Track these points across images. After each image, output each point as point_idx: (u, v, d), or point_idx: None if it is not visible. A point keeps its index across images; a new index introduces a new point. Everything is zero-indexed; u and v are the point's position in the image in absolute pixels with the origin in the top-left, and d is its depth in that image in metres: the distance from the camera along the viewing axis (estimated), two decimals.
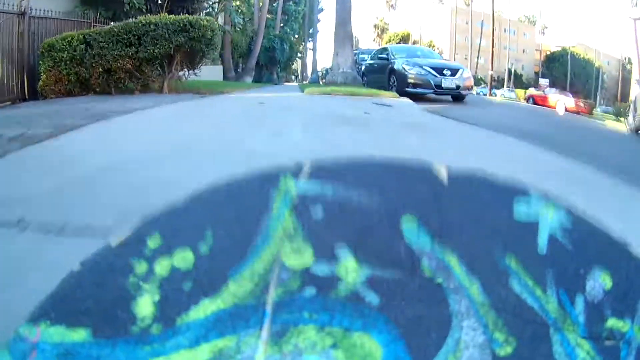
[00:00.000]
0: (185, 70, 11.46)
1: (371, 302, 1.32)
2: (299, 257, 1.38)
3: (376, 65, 15.73)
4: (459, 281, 1.39)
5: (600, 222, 1.72)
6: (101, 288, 1.39)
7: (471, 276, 1.41)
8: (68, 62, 10.17)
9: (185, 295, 1.37)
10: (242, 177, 1.58)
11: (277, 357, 1.28)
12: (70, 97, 9.97)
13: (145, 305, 1.36)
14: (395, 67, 13.83)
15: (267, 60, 30.50)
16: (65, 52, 10.04)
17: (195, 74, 12.20)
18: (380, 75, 14.96)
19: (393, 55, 14.95)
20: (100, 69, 10.26)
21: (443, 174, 1.57)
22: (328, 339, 1.28)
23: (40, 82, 10.07)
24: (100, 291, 1.38)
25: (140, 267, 1.42)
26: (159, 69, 10.83)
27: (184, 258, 1.42)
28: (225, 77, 23.89)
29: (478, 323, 1.35)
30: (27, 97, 10.23)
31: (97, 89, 10.42)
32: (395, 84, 13.54)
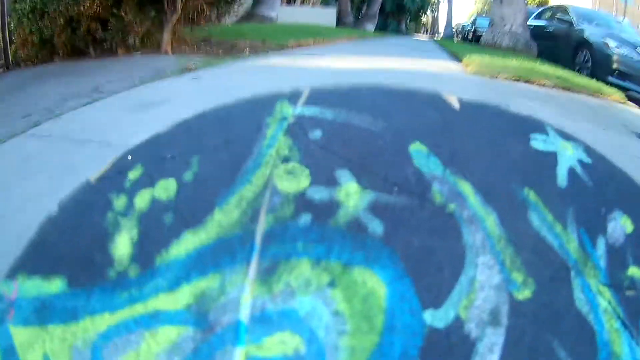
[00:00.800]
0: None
1: (374, 231, 1.12)
2: (294, 180, 1.17)
3: (549, 30, 10.73)
4: (473, 211, 1.19)
5: (618, 165, 1.54)
6: (78, 230, 1.25)
7: (487, 206, 1.21)
8: (30, 15, 7.21)
9: (166, 229, 1.17)
10: (233, 102, 1.37)
11: (266, 298, 1.08)
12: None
13: (122, 245, 1.19)
14: (590, 40, 8.90)
15: (394, 8, 24.97)
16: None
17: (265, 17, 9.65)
18: (555, 44, 10.20)
19: (579, 21, 10.00)
20: (62, 20, 6.64)
21: (454, 101, 1.37)
22: (325, 276, 1.08)
23: (12, 47, 7.45)
24: (78, 234, 1.24)
25: (119, 202, 1.24)
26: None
27: (166, 188, 1.22)
28: (341, 23, 18.53)
29: (494, 260, 1.16)
30: (8, 67, 8.56)
31: (64, 51, 6.75)
32: (589, 65, 8.65)
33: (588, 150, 1.46)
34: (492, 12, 11.76)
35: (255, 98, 1.26)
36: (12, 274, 1.16)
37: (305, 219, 1.13)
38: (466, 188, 1.21)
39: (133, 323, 1.12)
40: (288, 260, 1.10)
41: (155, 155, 1.27)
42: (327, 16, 17.75)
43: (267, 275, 1.09)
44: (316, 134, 1.19)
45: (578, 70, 8.55)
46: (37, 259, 1.22)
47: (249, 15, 12.51)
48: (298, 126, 1.20)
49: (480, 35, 13.32)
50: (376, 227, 1.13)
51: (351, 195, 1.14)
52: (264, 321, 1.07)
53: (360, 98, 1.26)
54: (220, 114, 1.28)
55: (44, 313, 1.13)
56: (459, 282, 1.13)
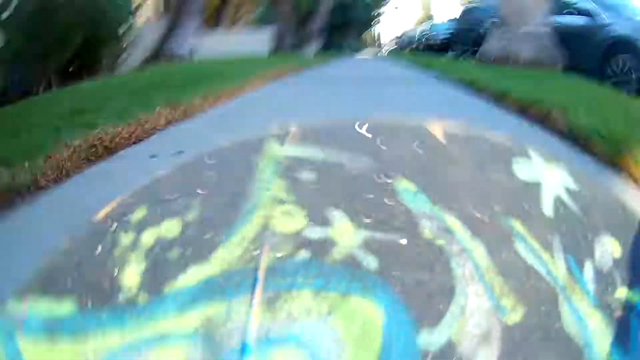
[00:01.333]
0: None
1: (369, 266, 1.21)
2: (291, 221, 1.26)
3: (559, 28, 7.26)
4: (462, 244, 1.27)
5: (606, 186, 1.61)
6: (89, 261, 1.32)
7: (475, 239, 1.29)
8: None
9: (173, 264, 1.26)
10: (227, 145, 1.48)
11: (270, 324, 1.17)
12: None
13: (132, 276, 1.27)
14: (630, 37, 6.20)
15: (340, 21, 20.42)
16: None
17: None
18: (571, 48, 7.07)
19: (608, 11, 6.94)
20: None
21: (439, 133, 1.47)
22: (324, 304, 1.17)
23: None
24: (89, 264, 1.31)
25: (127, 239, 1.33)
26: None
27: (171, 228, 1.32)
28: (279, 47, 15.33)
29: (484, 289, 1.24)
30: None
31: None
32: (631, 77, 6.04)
33: (574, 173, 1.53)
34: (505, 5, 7.59)
35: (244, 140, 1.37)
36: (21, 294, 1.23)
37: (303, 255, 1.22)
38: (454, 223, 1.29)
39: (142, 343, 1.18)
40: (289, 292, 1.19)
41: (159, 197, 1.37)
42: (258, 42, 15.03)
43: (270, 304, 1.18)
44: (307, 175, 1.29)
45: (615, 84, 6.23)
46: (45, 284, 1.27)
47: (156, 54, 9.55)
48: (289, 168, 1.30)
49: (433, 45, 11.58)
50: (370, 262, 1.22)
51: (345, 234, 1.23)
52: (268, 344, 1.16)
53: (347, 135, 1.36)
54: (214, 158, 1.39)
55: (54, 332, 1.18)
56: (450, 309, 1.21)
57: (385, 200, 1.29)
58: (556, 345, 1.29)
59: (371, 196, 1.30)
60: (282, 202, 1.26)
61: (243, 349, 1.16)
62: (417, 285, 1.22)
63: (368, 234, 1.25)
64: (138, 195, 1.46)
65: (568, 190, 1.51)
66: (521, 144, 1.56)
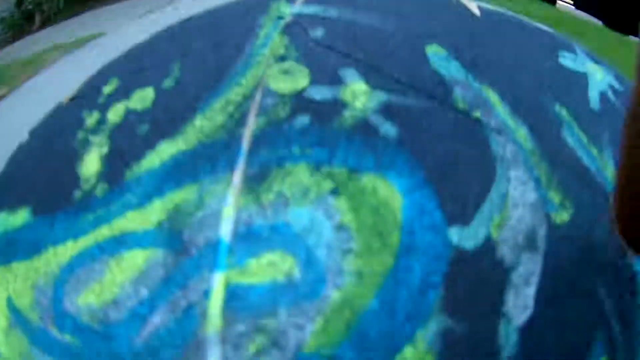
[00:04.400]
0: None
1: (387, 134, 0.87)
2: (290, 79, 0.92)
3: None
4: (502, 120, 0.94)
5: None
6: (48, 155, 1.05)
7: (517, 118, 0.96)
8: None
9: (140, 142, 0.92)
10: (223, 5, 1.14)
11: (253, 210, 0.82)
12: None
13: (91, 164, 0.95)
14: None
15: None
16: None
17: None
18: None
19: None
20: None
21: (474, 8, 1.13)
22: (326, 183, 0.83)
23: None
24: (47, 159, 1.05)
25: (91, 119, 1.01)
26: None
27: (142, 98, 0.98)
28: None
29: (528, 175, 0.91)
30: None
31: None
32: None
33: (618, 77, 1.22)
34: None
35: (247, 0, 1.01)
36: None
37: (303, 120, 0.88)
38: (492, 96, 0.97)
39: (97, 250, 0.88)
40: (281, 166, 0.85)
41: (133, 66, 1.03)
42: None
43: (255, 184, 0.84)
44: (317, 32, 0.94)
45: None
46: (4, 192, 1.04)
47: None
48: (296, 24, 0.96)
49: None
50: (389, 130, 0.88)
51: (359, 95, 0.89)
52: (249, 239, 0.82)
53: None
54: (208, 18, 1.04)
55: (9, 250, 0.94)
56: (489, 196, 0.88)
57: (411, 61, 0.94)
58: (606, 259, 0.99)
59: (393, 57, 0.95)
60: (281, 59, 0.91)
61: (216, 246, 0.82)
62: (449, 162, 0.88)
63: (388, 96, 0.90)
64: (110, 68, 1.15)
65: (613, 89, 1.20)
66: (566, 38, 1.24)
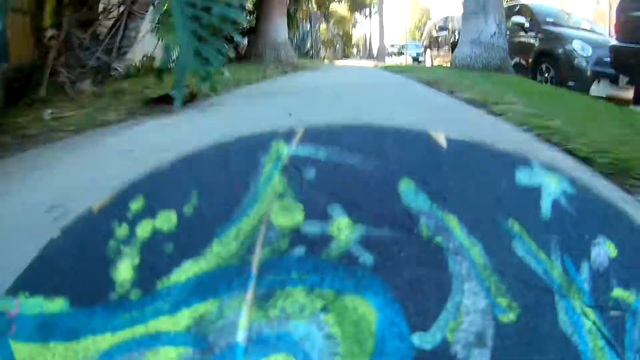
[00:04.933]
0: None
1: (365, 262, 1.14)
2: (289, 215, 1.19)
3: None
4: (459, 242, 1.20)
5: (602, 193, 1.54)
6: (82, 256, 1.25)
7: (472, 238, 1.22)
8: None
9: (167, 259, 1.19)
10: (232, 141, 1.41)
11: (263, 321, 1.10)
12: None
13: (124, 271, 1.20)
14: (560, 48, 7.50)
15: None
16: None
17: None
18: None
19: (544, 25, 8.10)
20: None
21: (441, 140, 1.39)
22: (318, 302, 1.10)
23: None
24: (82, 260, 1.24)
25: (121, 230, 1.26)
26: None
27: (167, 219, 1.24)
28: None
29: (480, 287, 1.16)
30: None
31: None
32: (565, 78, 7.22)
33: (572, 181, 1.46)
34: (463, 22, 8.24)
35: (251, 136, 1.29)
36: (13, 291, 1.17)
37: (299, 251, 1.15)
38: (452, 221, 1.22)
39: (134, 343, 1.12)
40: (283, 288, 1.13)
41: (157, 188, 1.30)
42: None
43: (263, 301, 1.12)
44: (310, 173, 1.22)
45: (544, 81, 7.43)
46: (38, 279, 1.21)
47: None
48: (293, 166, 1.23)
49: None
50: (366, 258, 1.15)
51: (343, 228, 1.16)
52: (260, 343, 1.09)
53: (352, 137, 1.28)
54: (217, 152, 1.32)
55: (45, 331, 1.12)
56: (445, 308, 1.14)
57: (385, 197, 1.21)
58: (552, 344, 1.22)
59: (371, 194, 1.22)
60: (281, 196, 1.19)
61: (234, 348, 1.09)
62: (413, 283, 1.14)
63: (367, 229, 1.17)
64: (136, 187, 1.40)
65: (565, 194, 1.44)
66: (522, 152, 1.48)
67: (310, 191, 1.21)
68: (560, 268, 1.30)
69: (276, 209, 1.19)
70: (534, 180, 1.41)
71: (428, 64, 16.00)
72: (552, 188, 1.43)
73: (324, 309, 1.10)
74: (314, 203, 1.19)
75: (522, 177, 1.39)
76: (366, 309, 1.10)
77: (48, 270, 1.23)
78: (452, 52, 10.11)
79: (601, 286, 1.31)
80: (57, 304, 1.16)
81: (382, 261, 1.15)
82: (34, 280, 1.20)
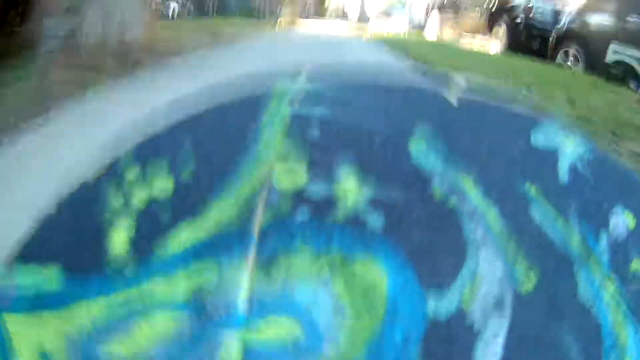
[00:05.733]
0: None
1: (375, 225, 1.06)
2: (292, 178, 1.11)
3: None
4: (474, 205, 1.12)
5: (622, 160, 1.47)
6: (76, 229, 1.20)
7: (487, 201, 1.14)
8: None
9: (163, 228, 1.12)
10: (231, 101, 1.33)
11: (265, 289, 1.02)
12: None
13: (119, 243, 1.13)
14: None
15: None
16: None
17: None
18: None
19: None
20: None
21: (453, 99, 1.31)
22: (325, 268, 1.02)
23: None
24: (76, 233, 1.19)
25: (116, 201, 1.18)
26: None
27: (163, 187, 1.17)
28: None
29: (496, 253, 1.09)
30: None
31: None
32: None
33: (590, 146, 1.38)
34: None
35: (252, 96, 1.21)
36: (7, 262, 1.12)
37: (303, 215, 1.08)
38: (467, 183, 1.15)
39: (128, 309, 1.06)
40: (287, 254, 1.05)
41: (153, 155, 1.22)
42: None
43: (265, 268, 1.04)
44: (314, 132, 1.13)
45: None
46: (32, 249, 1.16)
47: None
48: (296, 125, 1.15)
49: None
50: (376, 221, 1.07)
51: (350, 191, 1.08)
52: (262, 309, 1.02)
53: (360, 95, 1.20)
54: (216, 113, 1.24)
55: (38, 301, 1.08)
56: (460, 274, 1.06)
57: (395, 157, 1.13)
58: (570, 315, 1.15)
59: (379, 153, 1.14)
60: (283, 158, 1.11)
61: (235, 319, 1.02)
62: (426, 247, 1.07)
63: (375, 191, 1.09)
64: (130, 155, 1.32)
65: (583, 159, 1.36)
66: (539, 116, 1.41)
67: (315, 151, 1.12)
68: (578, 236, 1.23)
69: (278, 172, 1.11)
70: (551, 142, 1.34)
71: (432, 31, 12.88)
72: (569, 152, 1.36)
73: (332, 275, 1.02)
74: (318, 165, 1.11)
75: (538, 138, 1.32)
76: (376, 274, 1.03)
77: (43, 244, 1.18)
78: (490, 20, 9.27)
79: (620, 258, 1.24)
80: (51, 275, 1.10)
81: (393, 224, 1.07)
82: (28, 252, 1.15)
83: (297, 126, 1.18)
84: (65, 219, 1.24)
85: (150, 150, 1.33)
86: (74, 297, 1.07)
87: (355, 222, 1.07)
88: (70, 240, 1.18)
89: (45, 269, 1.11)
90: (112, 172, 1.27)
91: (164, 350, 1.02)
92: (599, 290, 1.18)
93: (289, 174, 1.12)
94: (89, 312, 1.05)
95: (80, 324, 1.05)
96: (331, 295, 1.02)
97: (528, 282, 1.12)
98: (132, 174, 1.23)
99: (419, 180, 1.13)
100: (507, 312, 1.08)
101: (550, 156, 1.32)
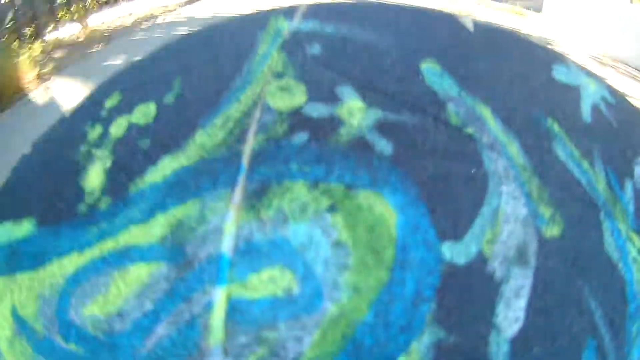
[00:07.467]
0: None
1: (382, 152, 0.90)
2: (289, 96, 0.95)
3: None
4: (494, 136, 0.98)
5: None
6: (51, 168, 1.08)
7: (509, 133, 1.00)
8: None
9: (142, 156, 0.95)
10: (222, 21, 1.16)
11: (253, 226, 0.86)
12: None
13: (94, 177, 1.00)
14: None
15: None
16: None
17: None
18: None
19: None
20: None
21: (469, 23, 1.16)
22: (324, 199, 0.86)
23: None
24: (51, 172, 1.08)
25: (94, 133, 1.06)
26: None
27: (144, 113, 1.00)
28: None
29: (520, 191, 0.95)
30: None
31: None
32: None
33: (611, 89, 1.25)
34: None
35: (246, 15, 1.04)
36: None
37: (301, 137, 0.91)
38: (485, 112, 1.00)
39: (102, 263, 0.93)
40: (280, 183, 0.89)
41: (135, 81, 1.06)
42: None
43: (255, 200, 0.88)
44: (315, 49, 0.97)
45: None
46: (7, 202, 1.06)
47: None
48: (294, 41, 0.98)
49: None
50: (384, 147, 0.92)
51: (355, 112, 0.92)
52: (250, 254, 0.86)
53: (365, 14, 1.04)
54: (207, 34, 1.06)
55: (13, 261, 0.96)
56: (481, 212, 0.91)
57: (406, 77, 0.97)
58: (597, 268, 1.02)
59: (389, 73, 0.98)
60: (279, 75, 0.94)
61: (218, 261, 0.85)
62: (442, 179, 0.91)
63: (383, 113, 0.93)
64: (112, 82, 1.17)
65: (605, 101, 1.23)
66: (559, 51, 1.27)
67: (315, 69, 0.96)
68: (604, 182, 1.10)
69: (273, 90, 0.95)
70: (572, 79, 1.20)
71: None
72: (591, 91, 1.23)
73: (331, 208, 0.87)
74: (319, 83, 0.95)
75: (560, 74, 1.18)
76: (384, 209, 0.87)
77: (17, 191, 1.07)
78: None
79: None
80: (25, 228, 0.99)
81: (404, 151, 0.91)
82: (3, 206, 1.05)
83: (297, 41, 1.02)
84: (40, 160, 1.12)
85: (132, 75, 1.18)
86: (47, 253, 0.94)
87: (360, 147, 0.91)
88: (44, 185, 1.05)
89: (20, 225, 0.99)
90: (92, 102, 1.15)
91: (140, 309, 0.86)
92: (625, 244, 1.05)
93: (285, 91, 0.96)
94: (63, 270, 0.92)
95: (53, 284, 0.92)
96: (331, 236, 0.86)
97: (554, 225, 0.98)
98: (112, 100, 1.07)
99: (433, 103, 0.97)
100: (532, 261, 0.94)
101: (572, 92, 1.19)
